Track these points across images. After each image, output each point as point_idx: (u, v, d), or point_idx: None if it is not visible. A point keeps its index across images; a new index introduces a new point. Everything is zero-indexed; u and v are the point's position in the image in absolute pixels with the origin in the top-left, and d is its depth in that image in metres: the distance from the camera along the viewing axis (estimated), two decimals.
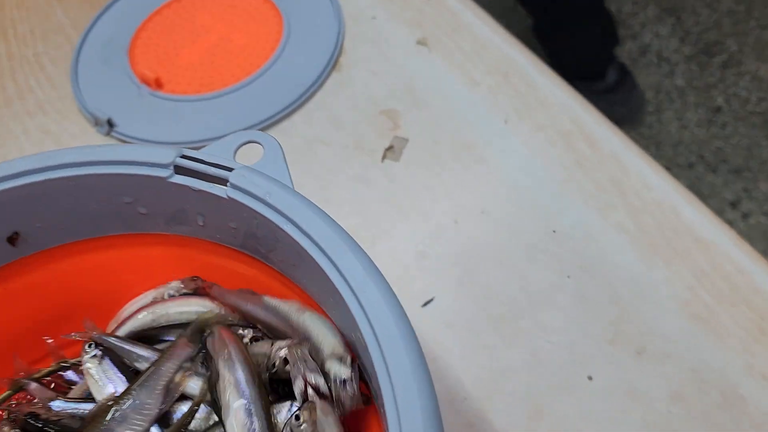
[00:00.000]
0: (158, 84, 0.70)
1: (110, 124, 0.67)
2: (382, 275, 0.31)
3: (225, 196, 0.34)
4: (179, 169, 0.36)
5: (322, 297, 0.34)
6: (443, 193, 0.60)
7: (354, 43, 0.72)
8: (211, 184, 0.35)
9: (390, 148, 0.64)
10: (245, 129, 0.39)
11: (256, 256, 0.38)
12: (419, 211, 0.60)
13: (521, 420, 0.49)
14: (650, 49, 1.58)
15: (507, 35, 0.71)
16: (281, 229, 0.33)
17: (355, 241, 0.32)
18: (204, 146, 0.64)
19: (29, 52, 0.77)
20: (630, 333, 0.51)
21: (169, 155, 0.35)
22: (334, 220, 0.33)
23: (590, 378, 0.50)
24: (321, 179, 0.63)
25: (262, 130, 0.66)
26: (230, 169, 0.35)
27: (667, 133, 1.48)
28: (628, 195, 0.58)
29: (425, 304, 0.55)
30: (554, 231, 0.57)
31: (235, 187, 0.34)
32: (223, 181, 0.35)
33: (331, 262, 0.31)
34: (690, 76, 1.51)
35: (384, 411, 0.27)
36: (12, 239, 0.39)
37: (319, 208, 0.33)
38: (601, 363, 0.50)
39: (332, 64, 0.70)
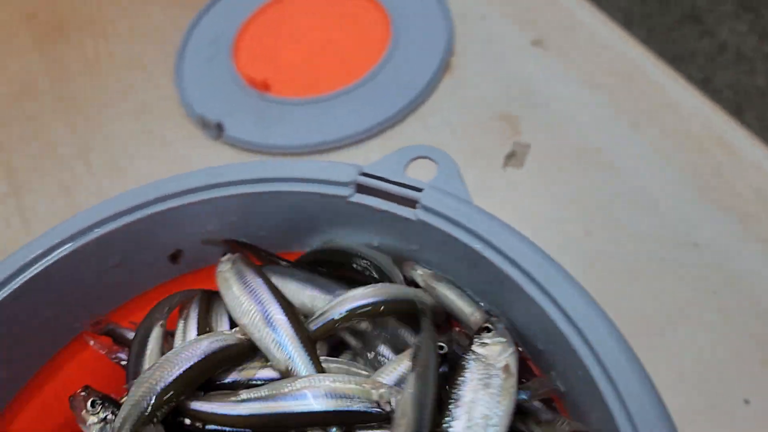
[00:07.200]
0: (265, 86, 0.69)
1: (219, 128, 0.66)
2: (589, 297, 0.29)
3: (413, 218, 0.32)
4: (360, 188, 0.34)
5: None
6: (569, 202, 0.58)
7: (464, 43, 0.70)
8: (396, 204, 0.33)
9: (512, 154, 0.61)
10: (413, 145, 0.36)
11: None
12: (545, 220, 0.57)
13: None
14: (728, 46, 1.51)
15: (626, 35, 0.68)
16: (480, 254, 0.31)
17: (564, 269, 0.30)
18: (318, 151, 0.65)
19: (129, 51, 0.76)
20: None
21: (350, 173, 0.33)
22: (537, 246, 0.31)
23: (747, 401, 0.47)
24: None
25: (375, 134, 0.64)
26: (419, 189, 0.33)
27: None
28: None
29: None
30: (695, 244, 0.54)
31: (426, 208, 0.32)
32: (408, 202, 0.33)
33: (544, 291, 0.29)
34: None
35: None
36: (174, 257, 0.37)
37: (518, 232, 0.31)
38: (757, 385, 0.48)
39: (444, 65, 0.68)
